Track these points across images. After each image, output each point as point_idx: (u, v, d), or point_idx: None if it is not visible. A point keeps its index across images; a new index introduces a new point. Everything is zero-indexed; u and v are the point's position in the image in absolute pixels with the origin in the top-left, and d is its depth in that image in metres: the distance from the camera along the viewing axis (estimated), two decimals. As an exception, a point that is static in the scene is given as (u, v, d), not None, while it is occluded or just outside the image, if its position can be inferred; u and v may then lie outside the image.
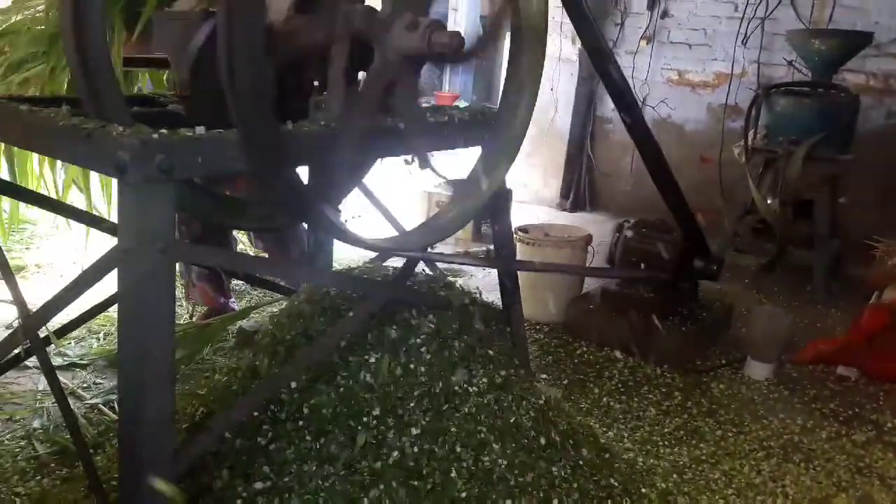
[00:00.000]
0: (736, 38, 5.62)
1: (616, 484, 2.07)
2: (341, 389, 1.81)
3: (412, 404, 1.80)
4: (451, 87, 11.88)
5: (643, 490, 2.19)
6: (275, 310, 3.13)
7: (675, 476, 2.44)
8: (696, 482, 2.43)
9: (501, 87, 2.09)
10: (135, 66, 2.66)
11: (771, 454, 2.65)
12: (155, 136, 1.36)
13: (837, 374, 3.34)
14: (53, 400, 2.40)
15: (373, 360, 1.86)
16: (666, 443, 2.68)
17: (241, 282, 3.60)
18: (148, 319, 1.41)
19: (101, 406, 2.67)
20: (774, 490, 2.43)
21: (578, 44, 5.76)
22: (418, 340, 1.91)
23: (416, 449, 1.75)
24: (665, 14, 5.99)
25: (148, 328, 1.41)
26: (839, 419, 2.94)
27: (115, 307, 2.12)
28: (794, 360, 3.41)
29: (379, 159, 2.42)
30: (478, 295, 2.32)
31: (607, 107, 6.28)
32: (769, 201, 4.47)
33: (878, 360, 3.21)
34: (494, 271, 2.51)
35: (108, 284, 1.53)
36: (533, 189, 6.51)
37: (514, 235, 3.38)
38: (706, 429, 2.80)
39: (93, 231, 2.56)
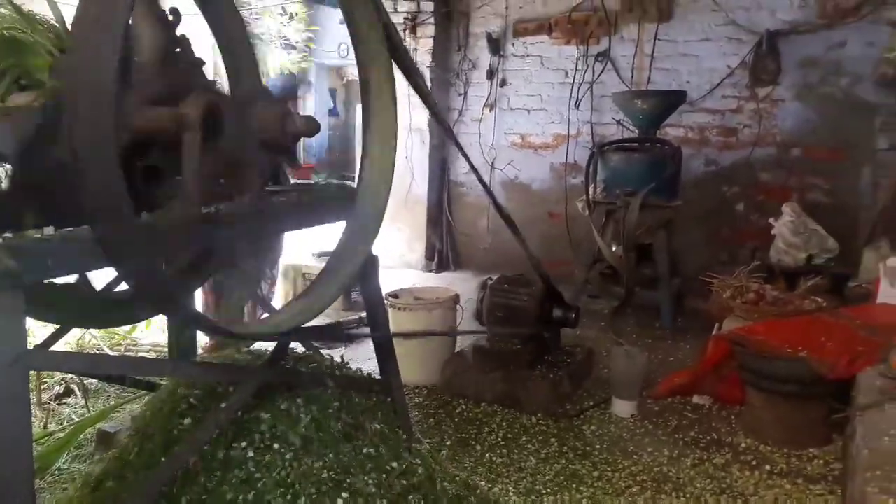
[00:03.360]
0: (569, 102, 6.10)
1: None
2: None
3: (296, 489, 1.76)
4: (307, 159, 11.94)
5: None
6: (136, 407, 2.96)
7: (560, 522, 2.52)
8: (581, 525, 2.52)
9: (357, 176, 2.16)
10: None
11: (644, 487, 2.79)
12: (-1, 240, 1.30)
13: (693, 403, 3.60)
14: None
15: (251, 453, 1.80)
16: (548, 490, 2.76)
17: (96, 381, 3.38)
18: (1, 439, 1.30)
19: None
20: (651, 522, 2.56)
21: (427, 113, 6.00)
22: (299, 427, 1.88)
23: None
24: (504, 83, 6.40)
25: (2, 448, 1.30)
26: (700, 446, 3.17)
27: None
28: (654, 394, 3.65)
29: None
30: (355, 367, 2.33)
31: (459, 171, 6.56)
32: (614, 248, 4.81)
33: (726, 386, 3.49)
34: (369, 340, 2.52)
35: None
36: (399, 253, 6.62)
37: (385, 301, 3.43)
38: (584, 471, 2.92)
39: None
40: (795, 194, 5.22)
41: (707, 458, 3.04)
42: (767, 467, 2.94)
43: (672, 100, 5.18)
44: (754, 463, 2.99)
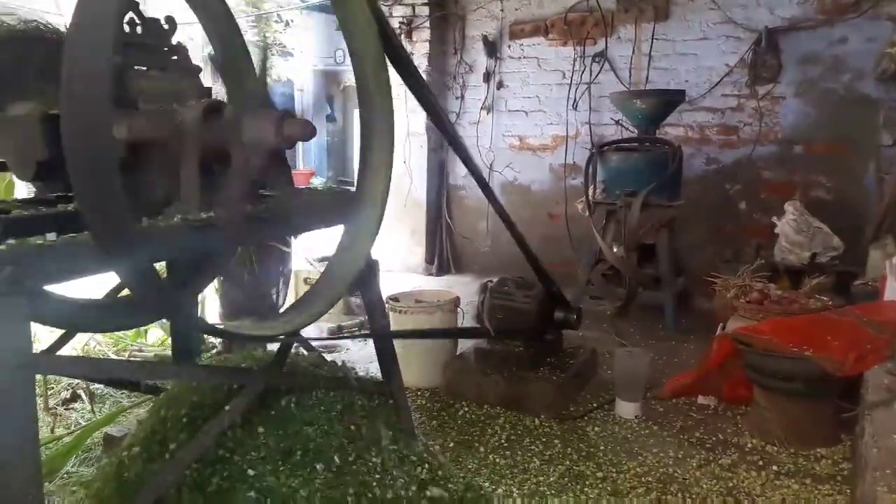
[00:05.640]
0: (567, 103, 6.10)
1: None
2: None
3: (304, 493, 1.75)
4: (306, 164, 11.94)
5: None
6: (142, 411, 2.96)
7: (565, 524, 2.51)
8: (587, 527, 2.50)
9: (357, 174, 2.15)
10: None
11: (650, 488, 2.78)
12: (2, 247, 1.29)
13: (698, 404, 3.57)
14: None
15: (252, 460, 1.79)
16: (553, 492, 2.74)
17: (101, 385, 3.39)
18: (9, 442, 1.30)
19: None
20: (658, 523, 2.55)
21: (424, 117, 6.01)
22: (304, 428, 1.87)
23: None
24: (500, 85, 6.40)
25: (10, 452, 1.30)
26: (706, 446, 3.15)
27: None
28: (658, 395, 3.63)
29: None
30: (357, 370, 2.32)
31: (458, 174, 6.56)
32: (615, 249, 4.80)
33: (731, 386, 3.46)
34: (370, 344, 2.52)
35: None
36: (399, 257, 6.61)
37: (386, 305, 3.42)
38: (588, 472, 2.90)
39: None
40: (798, 191, 5.20)
41: (713, 458, 3.03)
42: (774, 467, 2.92)
43: (671, 99, 5.17)
44: (761, 463, 2.97)
